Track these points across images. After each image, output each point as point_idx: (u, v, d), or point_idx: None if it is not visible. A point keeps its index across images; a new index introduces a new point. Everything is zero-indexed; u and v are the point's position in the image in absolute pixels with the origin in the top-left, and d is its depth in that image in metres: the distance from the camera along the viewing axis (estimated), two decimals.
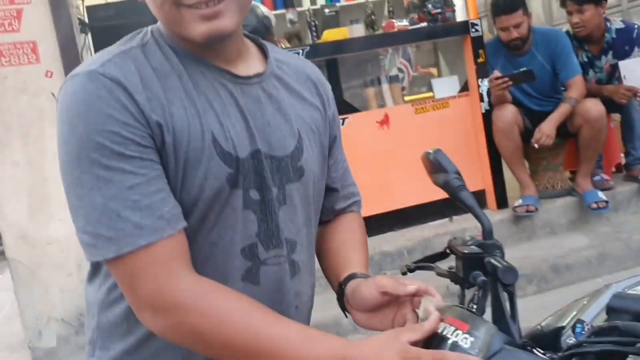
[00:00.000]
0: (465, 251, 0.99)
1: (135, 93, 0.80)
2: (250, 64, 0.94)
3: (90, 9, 3.10)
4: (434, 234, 3.06)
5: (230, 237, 0.88)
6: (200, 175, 0.83)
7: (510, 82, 3.06)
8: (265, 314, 0.81)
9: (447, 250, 1.11)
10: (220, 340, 0.79)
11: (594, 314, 0.93)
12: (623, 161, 3.62)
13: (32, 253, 2.76)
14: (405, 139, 3.24)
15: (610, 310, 0.83)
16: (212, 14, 0.83)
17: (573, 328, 0.87)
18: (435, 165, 1.06)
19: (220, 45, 0.88)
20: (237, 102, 0.89)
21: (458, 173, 1.06)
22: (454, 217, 3.17)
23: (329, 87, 1.08)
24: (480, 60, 3.24)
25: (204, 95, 0.86)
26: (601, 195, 3.17)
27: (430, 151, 1.07)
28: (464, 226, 3.03)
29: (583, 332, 0.85)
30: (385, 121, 3.29)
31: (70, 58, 2.67)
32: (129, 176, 0.79)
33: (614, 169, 3.70)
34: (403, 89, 3.70)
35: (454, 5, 3.37)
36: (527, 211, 3.12)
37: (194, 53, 0.88)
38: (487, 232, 1.01)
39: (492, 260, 0.95)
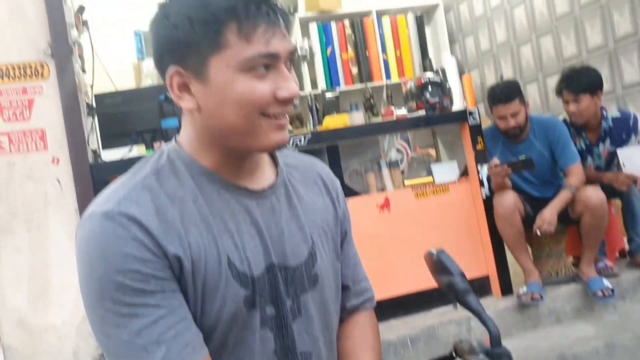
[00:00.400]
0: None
1: (152, 227, 0.82)
2: (264, 173, 0.97)
3: (98, 97, 3.18)
4: (438, 322, 3.01)
5: (249, 356, 0.88)
6: (219, 300, 0.85)
7: (510, 170, 3.10)
8: None
9: (453, 354, 1.10)
10: None
11: None
12: (626, 247, 3.60)
13: (28, 340, 2.70)
14: (406, 224, 3.25)
15: None
16: (284, 125, 0.89)
17: None
18: (439, 266, 1.06)
19: (248, 157, 0.91)
20: (252, 216, 0.91)
21: (463, 275, 1.06)
22: (458, 305, 3.12)
23: (338, 183, 1.10)
24: (479, 147, 3.29)
25: (219, 216, 0.88)
26: (606, 282, 3.14)
27: (434, 251, 1.08)
28: (468, 314, 2.96)
29: None
30: (385, 205, 3.30)
31: (77, 145, 2.72)
32: (152, 310, 0.81)
33: (617, 255, 3.68)
34: (403, 172, 3.74)
35: (452, 94, 3.45)
36: (532, 299, 3.08)
37: (213, 171, 0.91)
38: (495, 339, 1.00)
39: None
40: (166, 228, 0.83)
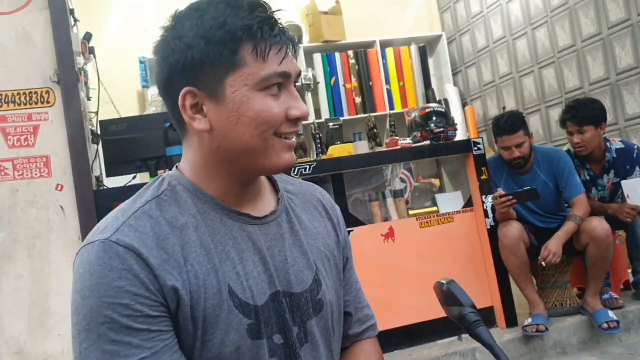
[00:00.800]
0: None
1: (150, 258, 0.81)
2: (266, 199, 0.96)
3: (103, 123, 3.18)
4: (443, 353, 2.96)
5: None
6: (220, 331, 0.83)
7: (514, 200, 3.09)
8: None
9: None
10: None
11: None
12: (631, 279, 3.57)
13: None
14: (410, 253, 3.23)
15: None
16: (294, 145, 0.90)
17: None
18: (449, 297, 1.04)
19: (251, 183, 0.91)
20: (255, 244, 0.90)
21: (474, 306, 1.04)
22: (463, 336, 3.09)
23: (338, 209, 1.10)
24: (483, 177, 3.29)
25: (221, 244, 0.87)
26: (611, 314, 3.10)
27: (444, 281, 1.06)
28: (474, 345, 2.94)
29: None
30: (390, 234, 3.29)
31: (81, 172, 2.72)
32: (136, 350, 0.79)
33: (621, 287, 3.65)
34: (407, 202, 3.73)
35: (456, 124, 3.46)
36: (537, 331, 3.05)
37: (216, 198, 0.90)
38: None
39: None
40: (165, 258, 0.82)
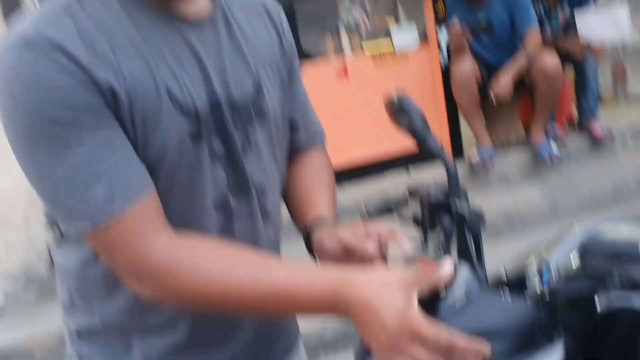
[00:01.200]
0: (432, 197, 0.97)
1: (79, 56, 0.73)
2: (201, 3, 0.88)
3: None
4: (392, 186, 3.07)
5: (201, 192, 0.83)
6: (161, 132, 0.78)
7: (469, 33, 3.04)
8: (249, 260, 0.78)
9: (408, 196, 1.10)
10: (207, 295, 0.77)
11: (560, 258, 0.92)
12: (575, 113, 3.67)
13: None
14: (363, 91, 3.21)
15: (584, 251, 0.83)
16: None
17: (540, 273, 0.86)
18: (400, 110, 1.03)
19: None
20: (192, 48, 0.83)
21: (423, 117, 1.02)
22: (412, 170, 3.18)
23: (282, 13, 1.01)
24: (439, 11, 3.21)
25: (155, 46, 0.79)
26: (554, 148, 3.22)
27: (395, 94, 1.04)
28: (422, 178, 3.04)
29: (550, 277, 0.84)
30: (343, 72, 3.25)
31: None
32: (88, 144, 0.73)
33: (566, 121, 3.76)
34: (362, 39, 3.64)
35: None
36: (482, 162, 3.15)
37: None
38: (453, 178, 0.99)
39: (461, 206, 0.93)
40: (94, 56, 0.74)
